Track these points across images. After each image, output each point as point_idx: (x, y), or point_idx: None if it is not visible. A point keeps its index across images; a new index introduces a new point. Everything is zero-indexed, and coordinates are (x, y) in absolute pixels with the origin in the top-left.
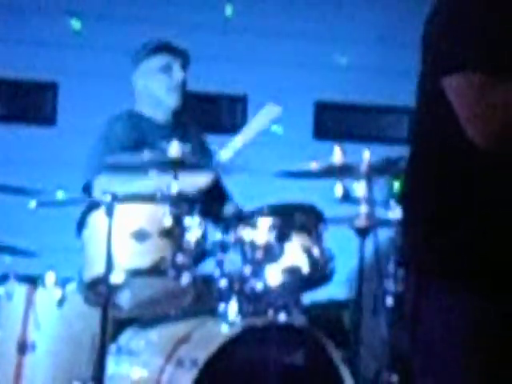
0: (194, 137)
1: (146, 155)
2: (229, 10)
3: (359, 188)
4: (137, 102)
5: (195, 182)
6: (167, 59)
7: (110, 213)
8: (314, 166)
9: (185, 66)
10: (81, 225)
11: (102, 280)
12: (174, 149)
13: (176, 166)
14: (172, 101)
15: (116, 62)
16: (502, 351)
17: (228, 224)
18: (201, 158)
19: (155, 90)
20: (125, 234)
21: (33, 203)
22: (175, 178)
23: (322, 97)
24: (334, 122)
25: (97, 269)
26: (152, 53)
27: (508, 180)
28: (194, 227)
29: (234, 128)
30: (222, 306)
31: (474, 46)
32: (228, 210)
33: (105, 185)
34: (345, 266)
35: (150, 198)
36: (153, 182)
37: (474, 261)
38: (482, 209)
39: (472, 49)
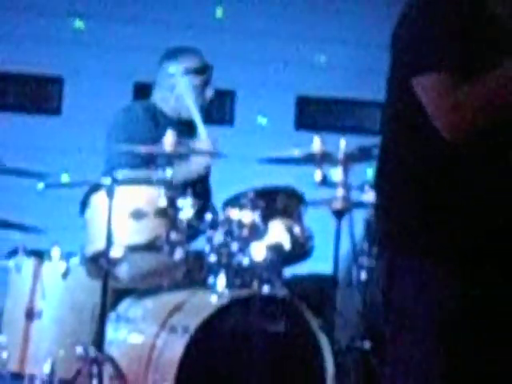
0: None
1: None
2: (219, 13)
3: (336, 173)
4: (154, 95)
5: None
6: (196, 64)
7: (110, 194)
8: (295, 153)
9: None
10: (84, 205)
11: (103, 254)
12: (170, 140)
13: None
14: (191, 101)
15: (115, 59)
16: (462, 317)
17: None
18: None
19: (181, 90)
20: (123, 213)
21: (40, 185)
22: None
23: (303, 92)
24: (313, 114)
25: (98, 244)
26: (182, 55)
27: (470, 166)
28: (187, 208)
29: (223, 119)
30: (211, 279)
31: (441, 49)
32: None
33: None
34: (323, 244)
35: (146, 181)
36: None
37: (441, 240)
38: (449, 193)
39: (440, 52)
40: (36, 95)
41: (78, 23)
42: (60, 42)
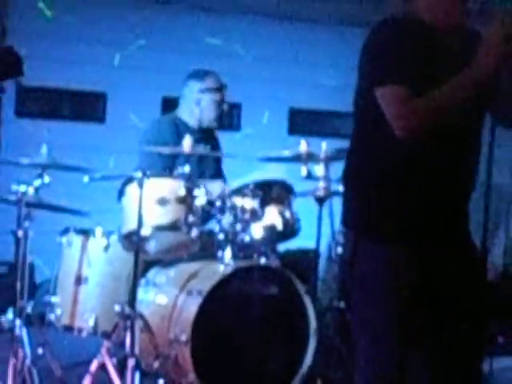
0: (213, 138)
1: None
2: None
3: (318, 169)
4: (180, 109)
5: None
6: (222, 94)
7: (141, 185)
8: (286, 153)
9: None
10: (120, 193)
11: (135, 233)
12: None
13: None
14: (212, 115)
15: (147, 78)
16: (406, 279)
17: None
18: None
19: (206, 112)
20: (151, 200)
21: (86, 178)
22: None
23: (294, 105)
24: (302, 123)
25: (131, 225)
26: (206, 77)
27: (411, 162)
28: (201, 196)
29: (231, 125)
30: (220, 253)
31: (400, 67)
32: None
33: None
34: (308, 225)
35: (169, 175)
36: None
37: (389, 227)
38: (397, 188)
39: (398, 69)
40: (85, 107)
41: (118, 51)
42: (104, 65)
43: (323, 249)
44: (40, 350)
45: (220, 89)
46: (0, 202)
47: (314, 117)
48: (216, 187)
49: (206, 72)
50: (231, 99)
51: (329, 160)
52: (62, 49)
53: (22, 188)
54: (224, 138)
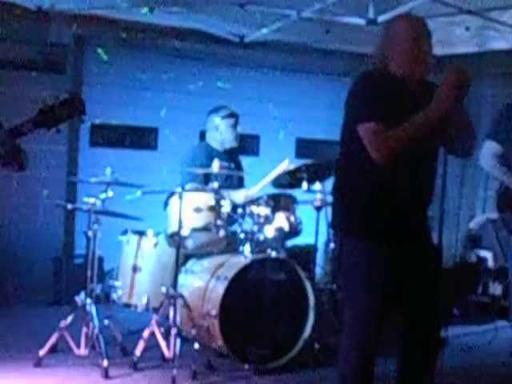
0: (236, 158)
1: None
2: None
3: (316, 184)
4: (207, 138)
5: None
6: (234, 120)
7: (180, 197)
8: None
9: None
10: (166, 204)
11: (177, 233)
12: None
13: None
14: (234, 142)
15: (188, 116)
16: (379, 267)
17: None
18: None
19: (224, 134)
20: (189, 208)
21: (139, 192)
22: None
23: (300, 136)
24: (305, 149)
25: (174, 227)
26: (220, 109)
27: (383, 179)
28: (226, 205)
29: (252, 151)
30: (241, 248)
31: (374, 109)
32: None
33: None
34: (308, 227)
35: (202, 190)
36: None
37: (362, 225)
38: (370, 198)
39: (373, 110)
40: (142, 138)
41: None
42: (155, 108)
43: (320, 244)
44: (106, 322)
45: (232, 115)
46: (77, 210)
47: (313, 144)
48: (240, 194)
49: (219, 106)
50: (253, 132)
51: (325, 177)
52: (124, 94)
53: (92, 200)
54: (246, 160)
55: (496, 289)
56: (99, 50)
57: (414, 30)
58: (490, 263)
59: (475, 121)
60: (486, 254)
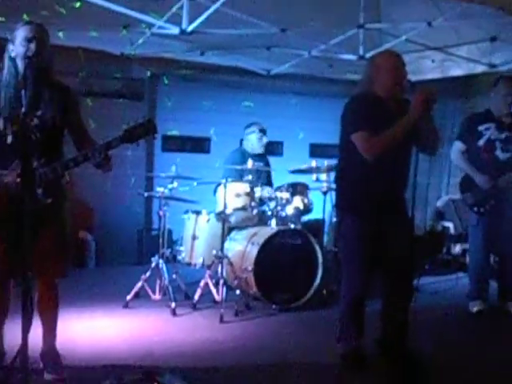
0: (265, 159)
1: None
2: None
3: (323, 176)
4: (244, 145)
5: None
6: (261, 134)
7: (225, 186)
8: (305, 167)
9: (264, 131)
10: (215, 191)
11: (223, 212)
12: (250, 163)
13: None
14: (260, 149)
15: (232, 128)
16: (366, 233)
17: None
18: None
19: (254, 143)
20: (231, 194)
21: (195, 183)
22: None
23: (313, 141)
24: (316, 151)
25: (221, 208)
26: (252, 125)
27: (370, 171)
28: (258, 191)
29: (277, 153)
30: (268, 222)
31: (360, 123)
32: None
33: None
34: (317, 206)
35: (241, 181)
36: None
37: (355, 204)
38: (360, 184)
39: (362, 123)
40: (198, 145)
41: (213, 114)
42: (208, 123)
43: (327, 218)
44: (174, 276)
45: (260, 130)
46: (152, 196)
47: (322, 148)
48: (265, 191)
49: (252, 123)
50: (278, 139)
51: (328, 170)
52: (185, 113)
53: (162, 189)
54: (273, 160)
55: (456, 249)
56: (164, 79)
57: (394, 62)
58: (452, 231)
59: (439, 127)
60: (449, 225)
